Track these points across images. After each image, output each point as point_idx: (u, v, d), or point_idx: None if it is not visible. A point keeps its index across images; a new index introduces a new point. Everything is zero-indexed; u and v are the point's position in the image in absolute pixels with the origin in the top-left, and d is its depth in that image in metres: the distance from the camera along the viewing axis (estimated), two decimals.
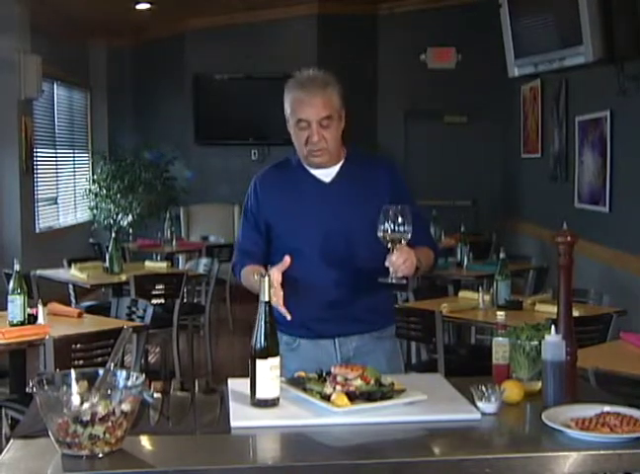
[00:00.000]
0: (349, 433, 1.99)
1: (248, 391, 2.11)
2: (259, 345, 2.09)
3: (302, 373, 2.26)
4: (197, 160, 9.88)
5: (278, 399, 2.11)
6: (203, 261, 6.58)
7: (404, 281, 2.48)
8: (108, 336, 3.75)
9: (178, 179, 9.62)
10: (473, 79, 9.05)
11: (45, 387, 1.85)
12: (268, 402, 2.09)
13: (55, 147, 9.30)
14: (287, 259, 2.40)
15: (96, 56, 10.49)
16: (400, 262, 2.40)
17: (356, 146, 2.82)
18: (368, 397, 2.09)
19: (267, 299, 2.13)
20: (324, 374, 2.21)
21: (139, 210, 9.35)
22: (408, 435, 1.99)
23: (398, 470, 1.82)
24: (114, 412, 1.78)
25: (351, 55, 9.11)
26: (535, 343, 2.23)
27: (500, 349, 2.31)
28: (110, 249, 5.83)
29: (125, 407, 1.80)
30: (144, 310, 4.35)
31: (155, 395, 2.17)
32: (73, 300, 5.98)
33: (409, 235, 2.41)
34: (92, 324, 4.05)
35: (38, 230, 8.44)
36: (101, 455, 1.79)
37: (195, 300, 7.23)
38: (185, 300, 6.26)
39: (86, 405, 1.76)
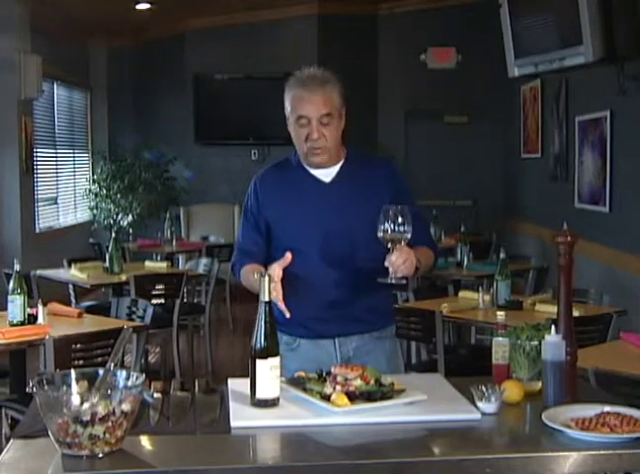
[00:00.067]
0: (349, 433, 1.99)
1: (248, 391, 2.11)
2: (259, 345, 2.09)
3: (302, 373, 2.26)
4: (197, 160, 9.88)
5: (278, 399, 2.11)
6: (203, 261, 6.58)
7: (404, 282, 2.48)
8: (108, 336, 3.75)
9: (178, 179, 9.63)
10: (473, 79, 9.05)
11: (45, 387, 1.85)
12: (268, 402, 2.09)
13: (55, 147, 9.30)
14: (289, 255, 2.40)
15: (96, 56, 10.49)
16: (400, 262, 2.40)
17: (355, 146, 2.82)
18: (368, 397, 2.09)
19: (267, 299, 2.13)
20: (324, 374, 2.21)
21: (139, 210, 9.35)
22: (408, 435, 1.99)
23: (398, 470, 1.82)
24: (114, 412, 1.78)
25: (351, 55, 9.11)
26: (535, 343, 2.23)
27: (500, 349, 2.31)
28: (110, 249, 5.83)
29: (125, 407, 1.80)
30: (144, 310, 4.35)
31: (155, 395, 2.17)
32: (73, 300, 5.98)
33: (409, 235, 2.42)
34: (92, 324, 4.05)
35: (38, 230, 8.44)
36: (101, 455, 1.79)
37: (195, 300, 7.23)
38: (185, 300, 6.26)
39: (86, 405, 1.76)
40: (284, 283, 2.36)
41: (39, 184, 8.46)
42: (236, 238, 2.94)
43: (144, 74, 10.34)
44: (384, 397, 2.10)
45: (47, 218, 8.97)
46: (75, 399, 1.78)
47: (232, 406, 2.11)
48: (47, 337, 3.61)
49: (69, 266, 5.96)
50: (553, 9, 5.81)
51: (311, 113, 2.59)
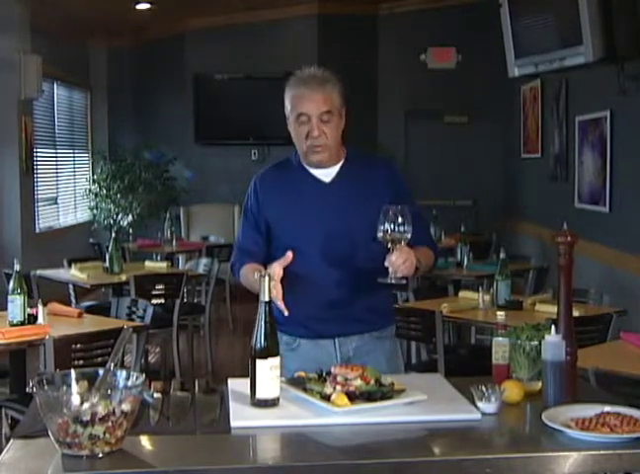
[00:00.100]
0: (349, 433, 1.99)
1: (248, 391, 2.11)
2: (259, 345, 2.09)
3: (302, 373, 2.26)
4: (197, 160, 9.88)
5: (278, 399, 2.11)
6: (203, 261, 6.59)
7: (403, 282, 2.48)
8: (108, 336, 3.75)
9: (178, 179, 9.63)
10: (473, 79, 9.05)
11: (45, 387, 1.85)
12: (268, 402, 2.09)
13: (55, 147, 9.30)
14: (290, 254, 2.40)
15: (96, 56, 10.49)
16: (400, 262, 2.40)
17: (355, 146, 2.82)
18: (368, 397, 2.09)
19: (267, 299, 2.13)
20: (324, 374, 2.21)
21: (139, 210, 9.35)
22: (408, 435, 1.99)
23: (398, 470, 1.82)
24: (114, 412, 1.78)
25: (351, 55, 9.11)
26: (535, 343, 2.23)
27: (500, 349, 2.31)
28: (110, 249, 5.83)
29: (125, 407, 1.80)
30: (144, 310, 4.35)
31: (155, 395, 2.17)
32: (73, 300, 5.98)
33: (409, 235, 2.42)
34: (92, 324, 4.05)
35: (38, 230, 8.44)
36: (101, 455, 1.79)
37: (195, 300, 7.23)
38: (185, 300, 6.26)
39: (86, 405, 1.76)
40: (284, 283, 2.36)
41: (39, 184, 8.46)
42: (236, 238, 2.94)
43: (144, 74, 10.34)
44: (384, 397, 2.10)
45: (47, 218, 8.97)
46: (75, 399, 1.78)
47: (232, 406, 2.11)
48: (47, 337, 3.61)
49: (69, 266, 5.96)
50: (553, 9, 5.80)
51: (311, 110, 2.60)
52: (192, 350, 6.35)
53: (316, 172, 2.71)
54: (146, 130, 10.18)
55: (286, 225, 2.70)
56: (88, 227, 9.76)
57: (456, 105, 9.41)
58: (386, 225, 2.41)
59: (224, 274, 6.74)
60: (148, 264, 6.40)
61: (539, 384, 2.21)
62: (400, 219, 2.40)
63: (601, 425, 1.92)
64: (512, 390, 2.15)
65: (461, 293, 4.84)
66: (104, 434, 1.77)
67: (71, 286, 5.96)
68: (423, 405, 2.10)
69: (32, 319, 3.87)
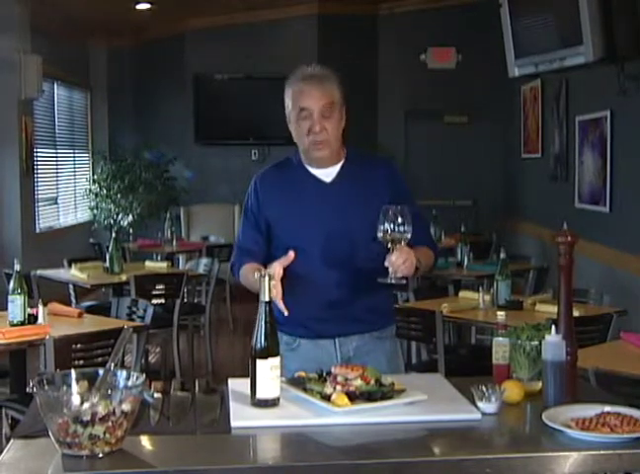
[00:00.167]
0: (349, 432, 1.99)
1: (248, 391, 2.11)
2: (259, 345, 2.09)
3: (302, 373, 2.26)
4: (197, 160, 9.88)
5: (278, 399, 2.11)
6: (204, 261, 6.59)
7: (403, 282, 2.48)
8: (108, 336, 3.75)
9: (178, 179, 9.63)
10: (473, 79, 9.06)
11: (46, 387, 1.85)
12: (268, 402, 2.09)
13: (56, 147, 9.30)
14: (292, 254, 2.41)
15: (96, 56, 10.49)
16: (400, 262, 2.40)
17: (355, 146, 2.82)
18: (369, 397, 2.09)
19: (267, 299, 2.13)
20: (324, 374, 2.21)
21: (139, 210, 9.35)
22: (408, 435, 1.99)
23: (398, 470, 1.82)
24: (114, 412, 1.78)
25: (351, 55, 9.11)
26: (536, 343, 2.23)
27: (500, 349, 2.31)
28: (110, 249, 5.83)
29: (126, 407, 1.80)
30: (144, 310, 4.35)
31: (155, 395, 2.17)
32: (73, 300, 5.98)
33: (409, 235, 2.42)
34: (92, 324, 4.05)
35: (38, 230, 8.44)
36: (101, 455, 1.79)
37: (195, 300, 7.23)
38: (185, 300, 6.26)
39: (86, 405, 1.76)
40: (284, 283, 2.37)
41: (39, 184, 8.46)
42: (236, 237, 2.94)
43: (144, 74, 10.34)
44: (384, 397, 2.10)
45: (48, 218, 8.97)
46: (75, 399, 1.78)
47: (232, 406, 2.11)
48: (48, 337, 3.61)
49: (69, 266, 5.96)
50: (553, 9, 5.80)
51: (312, 105, 2.60)
52: (192, 350, 6.35)
53: (317, 172, 2.71)
54: (146, 130, 10.18)
55: (287, 225, 2.70)
56: (88, 227, 9.76)
57: (456, 105, 9.41)
58: (386, 225, 2.41)
59: (224, 274, 6.74)
60: (148, 264, 6.41)
61: (539, 384, 2.21)
62: (400, 219, 2.40)
63: (602, 425, 1.92)
64: (512, 390, 2.15)
65: (461, 293, 4.84)
66: (104, 434, 1.77)
67: (71, 286, 5.97)
68: (423, 405, 2.10)
69: (32, 319, 3.88)
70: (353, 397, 2.08)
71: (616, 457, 1.83)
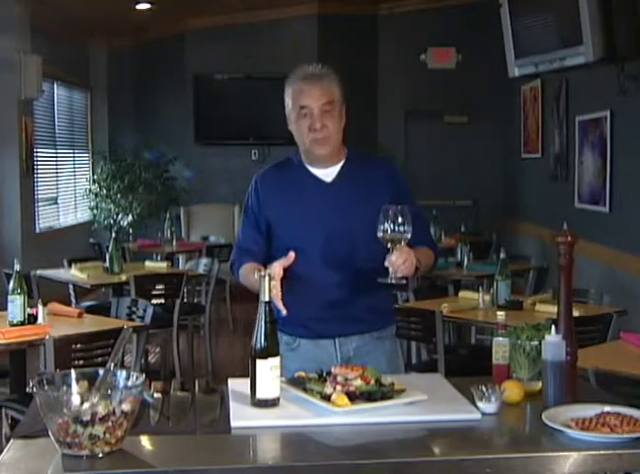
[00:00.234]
0: (349, 433, 1.99)
1: (248, 391, 2.11)
2: (259, 345, 2.09)
3: (302, 373, 2.26)
4: (197, 160, 9.88)
5: (278, 399, 2.11)
6: (204, 261, 6.59)
7: (403, 282, 2.48)
8: (108, 336, 3.75)
9: (178, 179, 9.62)
10: (473, 79, 9.06)
11: (46, 387, 1.85)
12: (268, 402, 2.09)
13: (56, 147, 9.30)
14: (292, 254, 2.41)
15: (96, 56, 10.49)
16: (400, 262, 2.40)
17: (355, 146, 2.82)
18: (369, 397, 2.09)
19: (267, 299, 2.13)
20: (324, 374, 2.21)
21: (139, 210, 9.35)
22: (408, 435, 1.99)
23: (398, 470, 1.82)
24: (114, 412, 1.78)
25: (351, 55, 9.11)
26: (535, 343, 2.23)
27: (500, 349, 2.31)
28: (110, 249, 5.83)
29: (126, 407, 1.80)
30: (144, 310, 4.35)
31: (155, 395, 2.17)
32: (73, 300, 5.98)
33: (409, 235, 2.42)
34: (92, 324, 4.05)
35: (38, 230, 8.44)
36: (101, 455, 1.79)
37: (195, 300, 7.23)
38: (185, 300, 6.26)
39: (86, 405, 1.76)
40: (284, 283, 2.37)
41: (39, 184, 8.46)
42: (236, 237, 2.94)
43: (144, 74, 10.34)
44: (384, 397, 2.10)
45: (47, 218, 8.97)
46: (75, 399, 1.78)
47: (232, 406, 2.11)
48: (47, 337, 3.61)
49: (69, 266, 5.96)
50: (553, 9, 5.80)
51: (313, 102, 2.61)
52: (192, 350, 6.35)
53: (317, 172, 2.71)
54: (146, 130, 10.18)
55: (287, 225, 2.70)
56: (88, 227, 9.76)
57: (456, 105, 9.41)
58: (386, 225, 2.41)
59: (224, 274, 6.73)
60: (148, 264, 6.41)
61: (539, 384, 2.21)
62: (400, 219, 2.40)
63: (602, 425, 1.92)
64: (512, 390, 2.15)
65: (461, 293, 4.84)
66: (104, 434, 1.77)
67: (71, 286, 5.97)
68: (423, 405, 2.10)
69: (32, 319, 3.88)
70: (353, 397, 2.08)
71: (616, 457, 1.83)
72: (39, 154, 8.39)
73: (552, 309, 3.30)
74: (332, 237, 2.64)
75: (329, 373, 2.20)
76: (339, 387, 2.10)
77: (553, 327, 2.17)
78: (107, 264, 5.81)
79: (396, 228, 2.40)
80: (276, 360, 2.10)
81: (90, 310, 4.68)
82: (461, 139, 9.45)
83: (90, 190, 9.72)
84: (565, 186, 7.00)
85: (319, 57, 8.76)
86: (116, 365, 1.95)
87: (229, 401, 2.15)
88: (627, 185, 5.68)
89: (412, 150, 9.54)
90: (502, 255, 4.56)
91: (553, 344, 2.14)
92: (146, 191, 9.40)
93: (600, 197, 6.09)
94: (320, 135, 2.62)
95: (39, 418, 1.84)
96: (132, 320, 4.32)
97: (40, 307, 3.91)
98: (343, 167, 2.72)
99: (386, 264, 2.41)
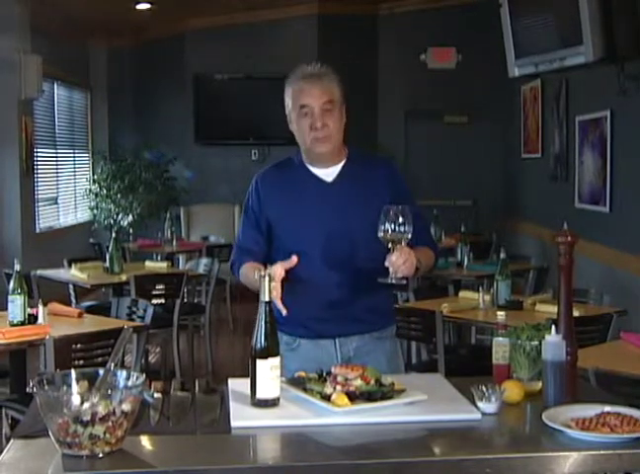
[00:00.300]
0: (349, 433, 1.99)
1: (248, 391, 2.11)
2: (259, 345, 2.09)
3: (302, 373, 2.26)
4: (197, 160, 9.88)
5: (278, 399, 2.11)
6: (204, 261, 6.59)
7: (404, 282, 2.48)
8: (108, 336, 3.75)
9: (178, 179, 9.62)
10: (473, 79, 9.06)
11: (46, 387, 1.85)
12: (268, 402, 2.09)
13: (56, 147, 9.30)
14: (295, 259, 2.41)
15: (96, 56, 10.49)
16: (400, 262, 2.40)
17: (356, 146, 2.82)
18: (369, 397, 2.09)
19: (267, 299, 2.13)
20: (324, 374, 2.21)
21: (139, 210, 9.35)
22: (408, 435, 1.99)
23: (398, 470, 1.82)
24: (114, 412, 1.78)
25: (351, 55, 9.11)
26: (536, 343, 2.23)
27: (500, 349, 2.31)
28: (110, 249, 5.83)
29: (126, 407, 1.80)
30: (144, 310, 4.35)
31: (155, 395, 2.17)
32: (73, 300, 5.98)
33: (409, 235, 2.42)
34: (92, 324, 4.05)
35: (38, 230, 8.44)
36: (101, 455, 1.79)
37: (195, 300, 7.23)
38: (185, 300, 6.26)
39: (86, 405, 1.76)
40: (284, 283, 2.36)
41: (39, 184, 8.46)
42: (236, 237, 2.94)
43: (144, 74, 10.34)
44: (384, 397, 2.10)
45: (48, 218, 8.97)
46: (75, 399, 1.78)
47: (232, 406, 2.11)
48: (48, 337, 3.61)
49: (69, 266, 5.96)
50: (553, 9, 5.80)
51: (313, 101, 2.61)
52: (192, 350, 6.35)
53: (318, 172, 2.71)
54: (146, 130, 10.18)
55: (287, 225, 2.70)
56: (88, 227, 9.76)
57: (456, 105, 9.41)
58: (387, 225, 2.41)
59: (224, 274, 6.74)
60: (148, 264, 6.41)
61: (539, 384, 2.21)
62: (401, 219, 2.40)
63: (602, 425, 1.92)
64: (512, 390, 2.15)
65: (461, 293, 4.84)
66: (104, 433, 1.77)
67: (71, 286, 5.96)
68: (423, 405, 2.10)
69: (32, 319, 3.88)
70: (353, 397, 2.08)
71: (616, 457, 1.84)
72: (39, 154, 8.39)
73: (552, 309, 3.30)
74: (332, 237, 2.64)
75: (329, 373, 2.20)
76: (339, 387, 2.10)
77: (553, 327, 2.17)
78: (107, 264, 5.81)
79: (397, 228, 2.40)
80: (276, 360, 2.10)
81: (90, 310, 4.68)
82: (461, 139, 9.45)
83: (90, 190, 9.72)
84: (565, 186, 7.00)
85: (319, 57, 8.69)
86: (116, 365, 1.95)
87: (229, 401, 2.15)
88: (627, 185, 5.68)
89: (412, 150, 9.54)
90: (502, 255, 4.56)
91: (553, 344, 2.14)
92: (146, 191, 9.40)
93: (600, 197, 6.09)
94: (321, 134, 2.62)
95: (39, 418, 1.84)
96: (132, 320, 4.32)
97: (41, 307, 3.91)
98: (343, 167, 2.72)
99: (386, 264, 2.41)
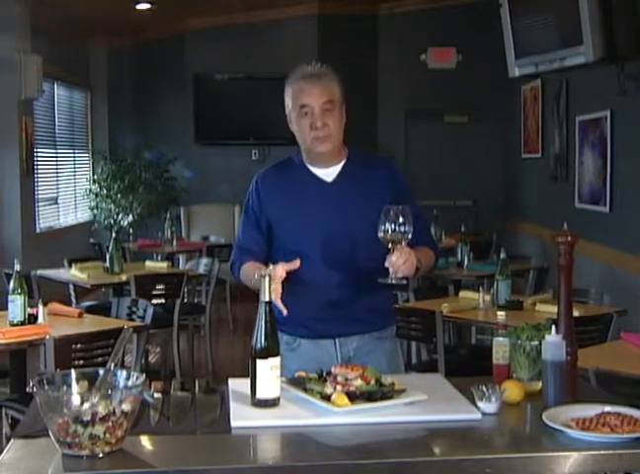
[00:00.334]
0: (349, 432, 1.99)
1: (248, 391, 2.11)
2: (259, 345, 2.09)
3: (303, 373, 2.26)
4: (197, 160, 9.88)
5: (278, 399, 2.11)
6: (204, 261, 6.59)
7: (404, 282, 2.48)
8: (108, 336, 3.75)
9: (178, 179, 9.62)
10: (473, 79, 9.06)
11: (46, 387, 1.85)
12: (268, 402, 2.09)
13: (56, 147, 9.30)
14: (298, 262, 2.42)
15: (96, 56, 10.49)
16: (400, 262, 2.40)
17: (356, 146, 2.82)
18: (369, 397, 2.09)
19: (267, 299, 2.13)
20: (324, 374, 2.21)
21: (140, 210, 9.35)
22: (408, 435, 1.99)
23: (398, 470, 1.82)
24: (114, 412, 1.78)
25: (351, 55, 9.10)
26: (536, 343, 2.23)
27: (500, 349, 2.31)
28: (110, 249, 5.83)
29: (126, 407, 1.80)
30: (145, 310, 4.35)
31: (155, 395, 2.17)
32: (73, 300, 5.98)
33: (409, 235, 2.42)
34: (92, 324, 4.05)
35: (38, 230, 8.44)
36: (101, 455, 1.79)
37: (195, 300, 7.23)
38: (185, 300, 6.25)
39: (86, 405, 1.76)
40: (285, 283, 2.37)
41: (39, 184, 8.46)
42: (236, 237, 2.94)
43: (144, 74, 10.34)
44: (385, 397, 2.10)
45: (48, 218, 8.97)
46: (75, 399, 1.78)
47: (232, 406, 2.11)
48: (48, 337, 3.61)
49: (69, 266, 5.96)
50: (553, 9, 5.80)
51: (313, 101, 2.61)
52: (192, 350, 6.35)
53: (318, 171, 2.71)
54: (146, 130, 10.18)
55: (287, 225, 2.70)
56: (88, 227, 9.76)
57: (456, 105, 9.41)
58: (387, 225, 2.41)
59: (225, 274, 6.72)
60: (149, 264, 6.41)
61: (539, 384, 2.21)
62: (401, 219, 2.40)
63: (602, 425, 1.91)
64: (512, 390, 2.15)
65: (462, 293, 4.84)
66: (104, 433, 1.77)
67: (71, 286, 5.96)
68: (423, 405, 2.10)
69: (32, 319, 3.88)
70: (353, 397, 2.08)
71: (616, 457, 1.84)
72: (39, 154, 8.39)
73: (552, 309, 3.30)
74: (332, 237, 2.64)
75: (329, 373, 2.20)
76: (339, 387, 2.10)
77: (553, 327, 2.17)
78: (107, 264, 5.81)
79: (397, 228, 2.40)
80: (276, 360, 2.10)
81: (90, 310, 4.68)
82: (461, 139, 9.45)
83: (90, 190, 9.72)
84: (565, 186, 7.00)
85: (319, 57, 8.64)
86: (116, 365, 1.95)
87: (229, 401, 2.15)
88: (627, 185, 5.68)
89: (412, 150, 9.54)
90: (502, 255, 4.56)
91: (553, 344, 2.14)
92: (146, 191, 9.40)
93: (600, 197, 6.09)
94: (321, 133, 2.62)
95: (39, 418, 1.84)
96: (133, 320, 4.32)
97: (41, 307, 3.91)
98: (344, 167, 2.72)
99: (387, 264, 2.41)
